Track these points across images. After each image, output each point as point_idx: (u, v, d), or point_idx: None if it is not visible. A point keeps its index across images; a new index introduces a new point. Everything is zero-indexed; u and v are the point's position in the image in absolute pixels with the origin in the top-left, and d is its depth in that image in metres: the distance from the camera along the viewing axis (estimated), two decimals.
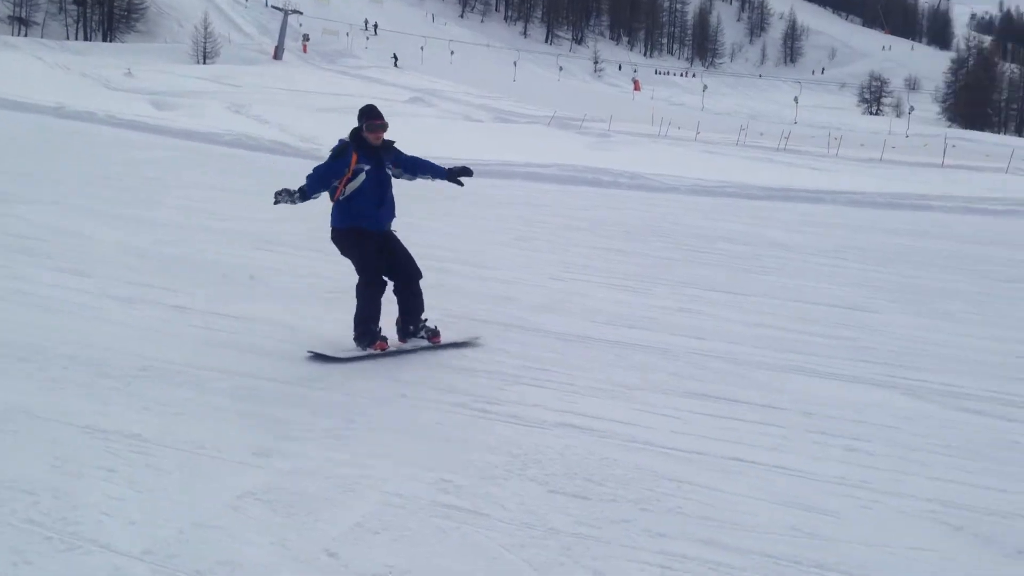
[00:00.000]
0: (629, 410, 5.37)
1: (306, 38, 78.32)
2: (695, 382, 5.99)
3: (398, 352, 6.36)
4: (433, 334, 6.48)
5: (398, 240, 6.42)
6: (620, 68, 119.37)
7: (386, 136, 6.33)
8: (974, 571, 3.67)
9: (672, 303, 8.37)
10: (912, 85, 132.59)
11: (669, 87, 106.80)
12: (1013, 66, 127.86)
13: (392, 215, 6.40)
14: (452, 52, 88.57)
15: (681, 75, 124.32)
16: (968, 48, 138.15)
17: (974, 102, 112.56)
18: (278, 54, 71.35)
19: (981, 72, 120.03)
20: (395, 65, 75.48)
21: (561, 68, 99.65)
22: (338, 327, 6.83)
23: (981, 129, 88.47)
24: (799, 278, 9.84)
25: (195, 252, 9.46)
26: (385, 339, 6.27)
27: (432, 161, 6.57)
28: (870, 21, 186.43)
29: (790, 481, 4.45)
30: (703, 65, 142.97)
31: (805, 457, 4.76)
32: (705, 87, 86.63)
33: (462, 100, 49.98)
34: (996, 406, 5.72)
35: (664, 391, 5.76)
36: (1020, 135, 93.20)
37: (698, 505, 4.14)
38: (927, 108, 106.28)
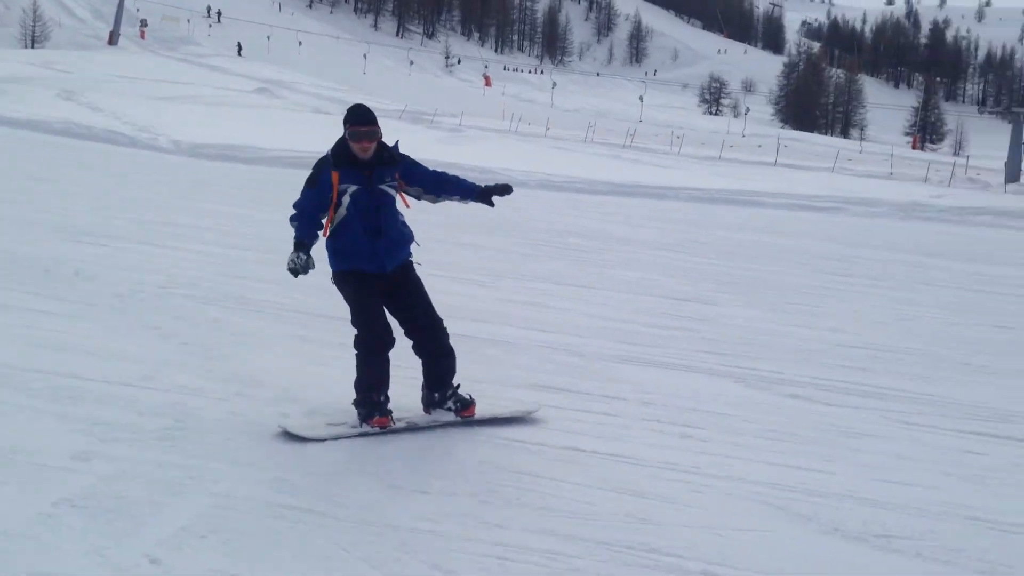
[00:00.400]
0: None
1: (144, 24, 75.10)
2: (540, 374, 6.05)
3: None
4: (465, 406, 5.07)
5: (414, 280, 5.06)
6: (459, 62, 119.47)
7: (390, 142, 5.01)
8: (793, 548, 3.84)
9: (520, 297, 8.45)
10: (748, 87, 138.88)
11: (519, 84, 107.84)
12: (839, 71, 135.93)
13: (401, 245, 4.99)
14: (300, 43, 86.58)
15: (531, 72, 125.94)
16: (799, 53, 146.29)
17: (803, 104, 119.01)
18: (113, 39, 68.03)
19: (810, 76, 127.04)
20: (239, 54, 73.22)
21: (412, 62, 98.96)
22: (169, 325, 6.55)
23: (810, 130, 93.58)
24: (642, 271, 10.12)
25: (16, 246, 8.86)
26: (388, 414, 4.88)
27: (459, 176, 5.20)
28: (709, 24, 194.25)
29: (627, 469, 4.54)
30: (552, 63, 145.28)
31: (642, 445, 4.87)
32: (554, 84, 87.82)
33: (311, 92, 48.96)
34: (819, 392, 6.02)
35: (509, 384, 5.78)
36: (845, 136, 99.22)
37: (537, 496, 4.17)
38: (762, 109, 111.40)
